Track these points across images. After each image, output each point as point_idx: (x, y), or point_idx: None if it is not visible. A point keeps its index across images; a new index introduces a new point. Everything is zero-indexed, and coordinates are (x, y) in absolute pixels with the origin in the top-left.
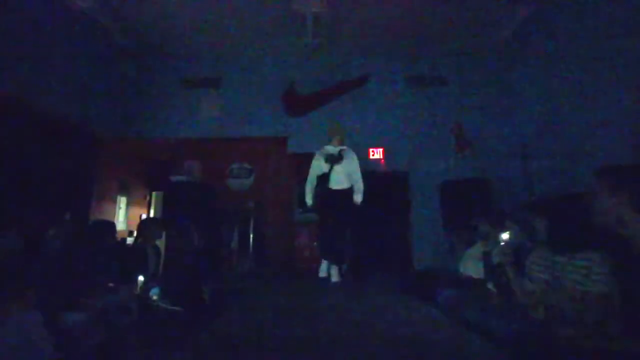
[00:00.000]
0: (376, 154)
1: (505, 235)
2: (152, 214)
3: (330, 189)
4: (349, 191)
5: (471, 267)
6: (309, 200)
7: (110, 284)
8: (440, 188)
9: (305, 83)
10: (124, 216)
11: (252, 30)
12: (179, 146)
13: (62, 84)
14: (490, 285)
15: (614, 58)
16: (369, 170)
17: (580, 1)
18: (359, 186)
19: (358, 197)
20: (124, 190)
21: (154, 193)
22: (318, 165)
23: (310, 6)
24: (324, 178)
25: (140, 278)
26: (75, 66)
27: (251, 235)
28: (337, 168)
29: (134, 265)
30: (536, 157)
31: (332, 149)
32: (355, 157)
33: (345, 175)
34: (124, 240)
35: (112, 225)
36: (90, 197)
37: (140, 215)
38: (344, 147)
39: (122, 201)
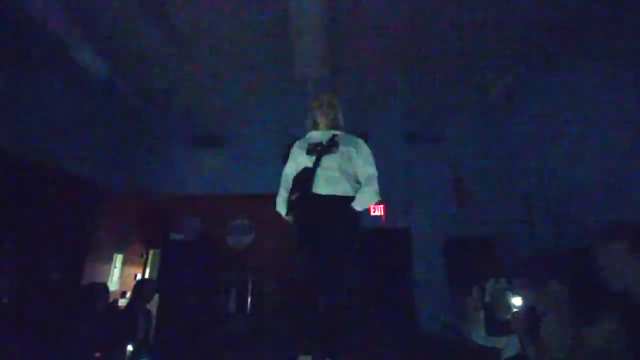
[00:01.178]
0: (377, 210)
1: (517, 301)
2: (147, 274)
3: (315, 194)
4: (346, 200)
5: (483, 333)
6: (282, 208)
7: (97, 354)
8: (443, 245)
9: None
10: (119, 275)
11: (255, 92)
12: (180, 202)
13: (66, 137)
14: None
15: (609, 109)
16: (369, 228)
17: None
18: (370, 186)
19: (364, 199)
20: (121, 247)
21: (151, 251)
22: (297, 161)
23: (310, 72)
24: (305, 177)
25: (129, 347)
26: (83, 120)
27: (249, 297)
28: (327, 161)
29: (124, 332)
30: (538, 211)
31: (318, 135)
32: (361, 144)
33: (342, 173)
34: (116, 301)
35: (105, 289)
36: (84, 254)
37: (135, 275)
38: (338, 133)
39: (118, 259)
